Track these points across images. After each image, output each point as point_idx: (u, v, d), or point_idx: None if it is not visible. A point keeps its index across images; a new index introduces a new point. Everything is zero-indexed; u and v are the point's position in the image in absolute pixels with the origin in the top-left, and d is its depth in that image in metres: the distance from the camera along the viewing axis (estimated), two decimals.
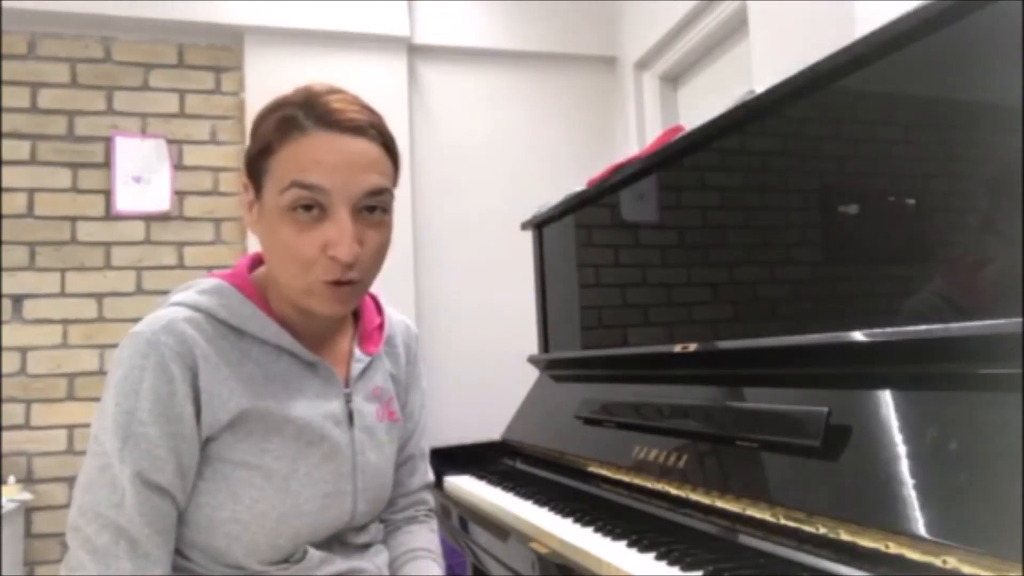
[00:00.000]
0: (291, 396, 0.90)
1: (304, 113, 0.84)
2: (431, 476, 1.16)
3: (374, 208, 0.87)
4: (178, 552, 0.87)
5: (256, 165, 0.87)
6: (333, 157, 0.83)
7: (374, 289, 0.97)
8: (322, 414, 0.92)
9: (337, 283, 0.85)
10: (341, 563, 0.92)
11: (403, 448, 1.09)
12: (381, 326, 1.05)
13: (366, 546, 0.99)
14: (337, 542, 0.95)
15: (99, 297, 2.43)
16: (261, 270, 0.96)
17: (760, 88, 1.09)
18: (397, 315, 1.11)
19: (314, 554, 0.89)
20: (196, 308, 0.88)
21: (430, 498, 1.15)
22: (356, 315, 1.04)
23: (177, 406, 0.82)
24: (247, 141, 0.92)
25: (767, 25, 1.95)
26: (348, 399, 0.96)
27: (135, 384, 0.82)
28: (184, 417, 0.83)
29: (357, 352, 0.99)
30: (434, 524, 1.14)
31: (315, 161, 0.83)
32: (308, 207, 0.83)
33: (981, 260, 0.80)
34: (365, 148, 0.86)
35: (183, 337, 0.84)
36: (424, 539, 1.08)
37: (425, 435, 1.14)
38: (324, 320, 0.94)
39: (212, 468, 0.86)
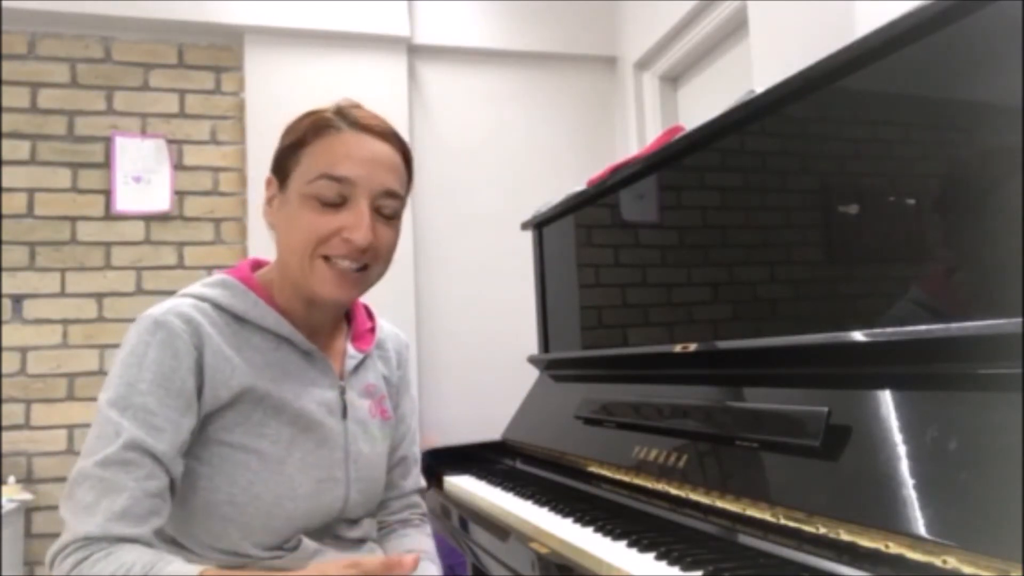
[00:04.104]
0: (288, 382, 0.94)
1: (338, 117, 0.94)
2: (423, 481, 1.19)
3: (387, 209, 0.95)
4: (174, 541, 0.89)
5: (286, 158, 0.95)
6: (362, 153, 0.92)
7: (372, 293, 1.00)
8: (317, 402, 0.96)
9: (345, 268, 0.91)
10: (334, 555, 0.94)
11: (395, 450, 1.13)
12: (372, 330, 1.11)
13: (360, 541, 1.01)
14: (330, 535, 0.97)
15: (99, 297, 2.43)
16: (264, 270, 1.01)
17: (760, 88, 1.09)
18: (388, 325, 1.17)
19: (308, 544, 0.91)
20: (201, 298, 0.93)
21: (422, 502, 1.18)
22: (349, 318, 1.09)
23: (178, 381, 0.86)
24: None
25: (767, 25, 1.94)
26: (343, 391, 1.00)
27: (139, 358, 0.86)
28: (184, 393, 0.86)
29: (350, 349, 1.05)
30: (428, 528, 1.17)
31: (346, 155, 0.91)
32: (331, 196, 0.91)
33: (980, 260, 0.80)
34: (390, 152, 0.96)
35: (189, 318, 0.88)
36: (420, 542, 1.11)
37: (416, 441, 1.18)
38: (323, 313, 0.99)
39: (210, 451, 0.89)
